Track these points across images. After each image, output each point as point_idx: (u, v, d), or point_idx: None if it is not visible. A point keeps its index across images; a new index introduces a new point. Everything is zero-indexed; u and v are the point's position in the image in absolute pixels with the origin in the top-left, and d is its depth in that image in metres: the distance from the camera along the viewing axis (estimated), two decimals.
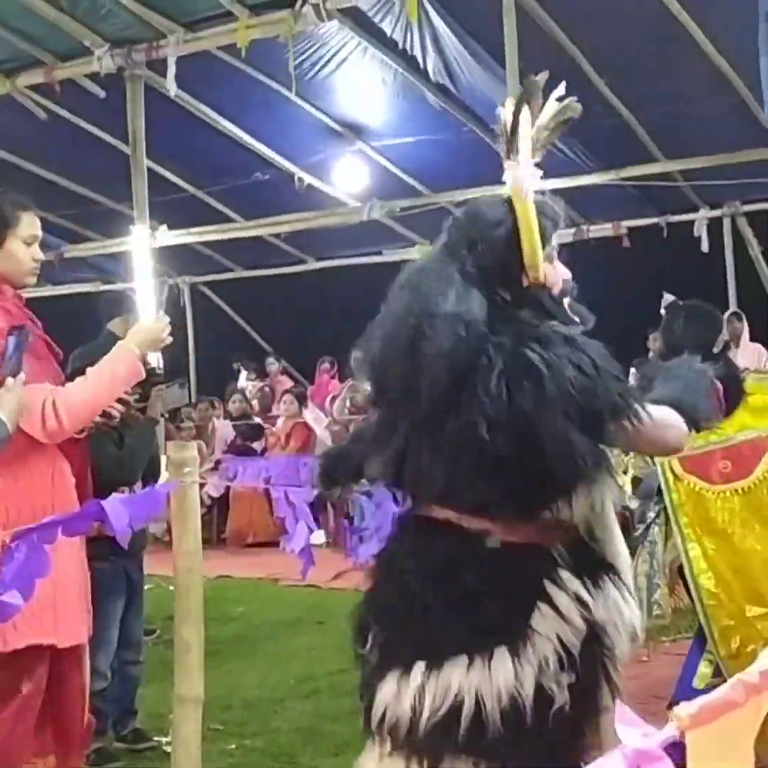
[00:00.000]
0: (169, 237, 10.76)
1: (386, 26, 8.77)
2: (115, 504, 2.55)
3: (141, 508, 2.71)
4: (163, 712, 4.58)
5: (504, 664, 2.12)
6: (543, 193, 2.36)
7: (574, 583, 2.18)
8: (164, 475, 5.36)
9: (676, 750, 0.73)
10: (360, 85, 9.75)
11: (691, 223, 10.34)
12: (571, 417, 2.08)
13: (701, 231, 10.29)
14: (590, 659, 2.16)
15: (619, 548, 2.30)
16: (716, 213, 10.42)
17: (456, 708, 2.13)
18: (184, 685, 3.00)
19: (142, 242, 9.68)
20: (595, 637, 2.17)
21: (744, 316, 9.80)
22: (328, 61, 9.41)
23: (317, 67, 9.47)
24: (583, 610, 2.16)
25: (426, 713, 2.15)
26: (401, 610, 2.27)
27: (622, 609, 2.21)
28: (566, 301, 2.38)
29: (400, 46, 9.00)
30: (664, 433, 2.26)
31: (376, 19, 8.70)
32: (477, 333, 2.15)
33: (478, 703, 2.11)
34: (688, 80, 8.64)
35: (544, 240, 2.31)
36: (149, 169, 9.81)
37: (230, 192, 11.49)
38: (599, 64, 8.77)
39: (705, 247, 10.21)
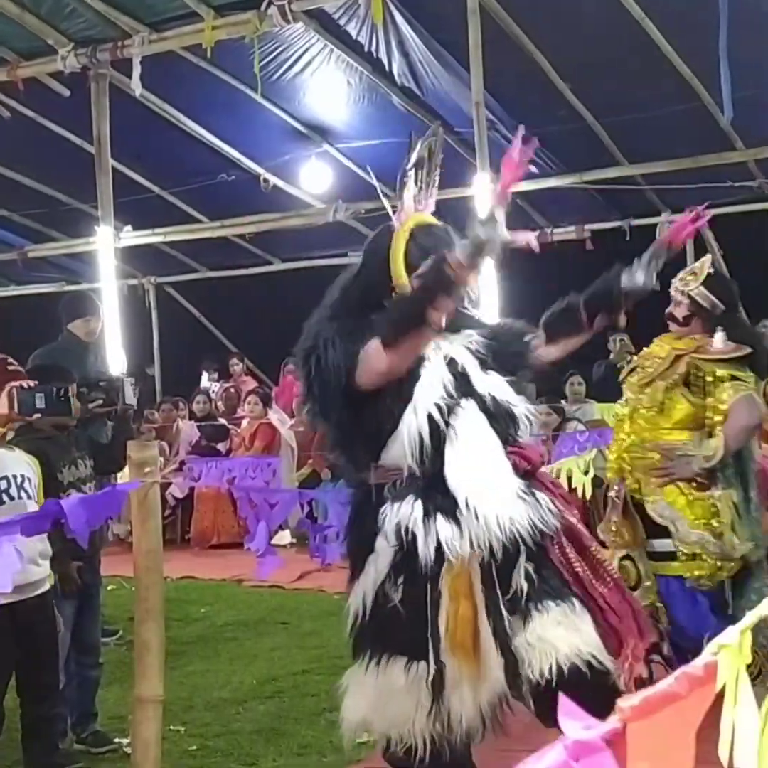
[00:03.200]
0: (133, 237, 10.73)
1: (352, 29, 8.80)
2: (73, 503, 2.55)
3: (100, 508, 2.71)
4: (124, 713, 4.57)
5: (361, 577, 2.95)
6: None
7: (394, 512, 2.86)
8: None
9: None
10: (325, 87, 9.76)
11: (654, 226, 10.42)
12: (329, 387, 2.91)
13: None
14: (414, 566, 2.82)
15: (452, 482, 2.86)
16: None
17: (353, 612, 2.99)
18: (143, 686, 3.00)
19: (107, 242, 9.65)
20: (413, 550, 2.83)
21: None
22: (294, 62, 9.42)
23: (283, 69, 9.47)
24: (401, 532, 2.84)
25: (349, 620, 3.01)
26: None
27: (437, 525, 2.82)
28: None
29: (366, 48, 9.03)
30: (368, 361, 2.87)
31: (342, 22, 8.73)
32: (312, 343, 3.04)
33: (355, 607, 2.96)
34: (650, 85, 8.73)
35: (411, 265, 2.98)
36: (114, 169, 9.77)
37: (195, 192, 11.46)
38: (563, 68, 8.84)
39: None
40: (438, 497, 2.86)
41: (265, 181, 11.02)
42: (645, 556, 3.98)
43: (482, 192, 8.41)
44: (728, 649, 0.73)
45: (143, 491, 2.82)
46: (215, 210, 11.51)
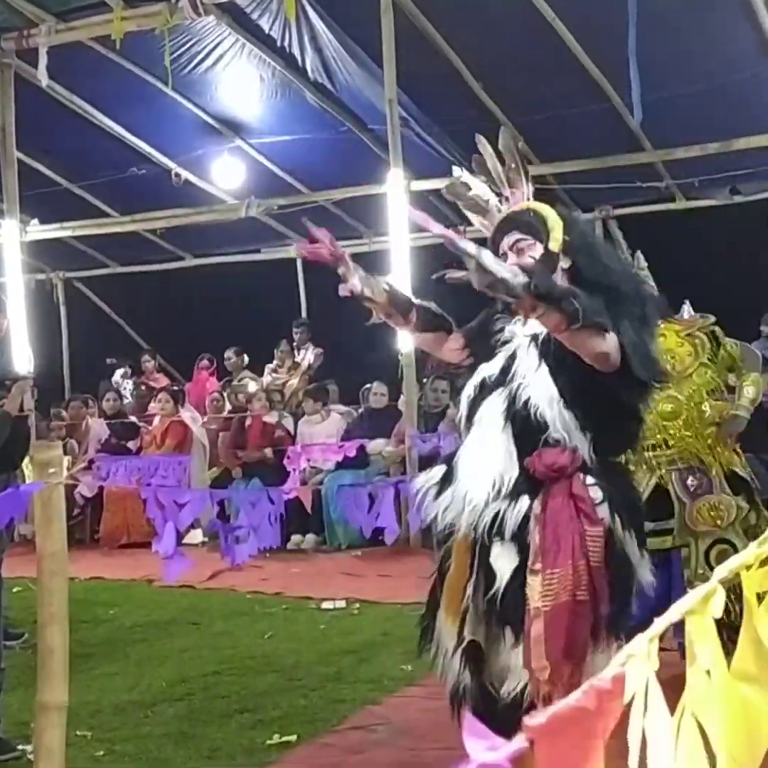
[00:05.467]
0: (41, 231, 10.52)
1: (264, 23, 8.73)
2: None
3: (2, 509, 2.64)
4: (28, 719, 4.44)
5: None
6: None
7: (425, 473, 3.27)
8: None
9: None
10: (238, 81, 9.68)
11: None
12: None
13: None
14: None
15: (460, 459, 3.15)
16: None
17: None
18: (46, 692, 2.92)
19: (13, 236, 9.45)
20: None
21: None
22: (206, 56, 9.32)
23: (194, 62, 9.37)
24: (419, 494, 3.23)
25: None
26: None
27: (443, 495, 3.17)
28: None
29: (279, 43, 8.98)
30: None
31: (254, 16, 8.66)
32: None
33: None
34: (561, 86, 8.81)
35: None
36: (20, 161, 9.57)
37: (105, 186, 11.27)
38: (476, 68, 8.88)
39: None
40: (452, 470, 3.11)
41: (177, 175, 10.88)
42: (739, 527, 4.32)
43: (395, 189, 8.42)
44: (636, 659, 0.72)
45: (47, 493, 2.75)
46: (125, 204, 11.33)
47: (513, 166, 3.24)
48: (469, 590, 3.01)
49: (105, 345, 13.03)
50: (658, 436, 4.38)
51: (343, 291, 3.08)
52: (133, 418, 10.91)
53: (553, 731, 0.65)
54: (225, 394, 10.92)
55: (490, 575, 2.98)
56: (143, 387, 11.58)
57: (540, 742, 0.65)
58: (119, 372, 12.43)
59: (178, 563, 3.32)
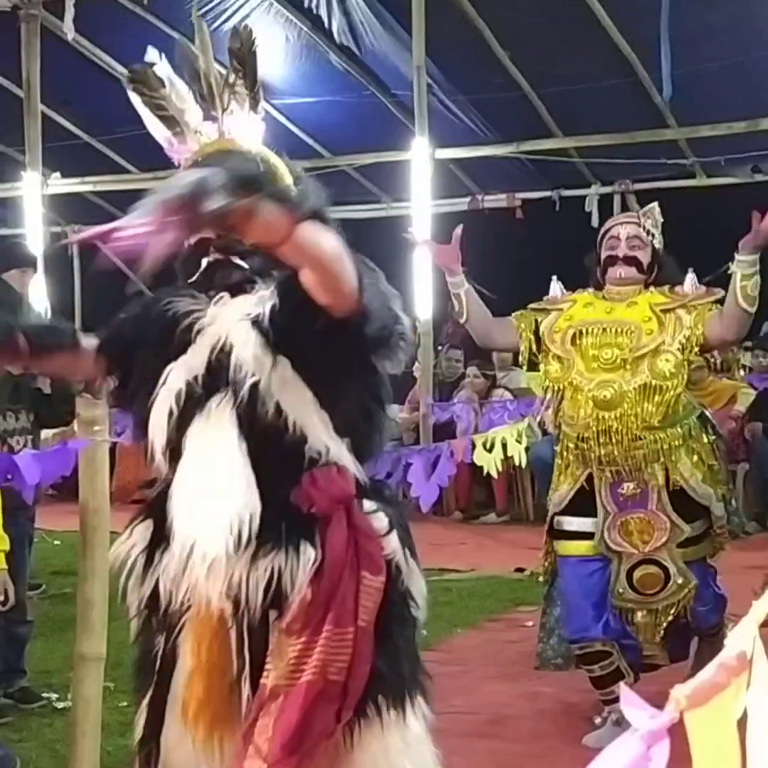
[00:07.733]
0: (62, 185, 10.54)
1: None
2: (27, 459, 2.55)
3: (51, 465, 2.72)
4: (51, 668, 4.56)
5: None
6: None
7: (127, 534, 2.45)
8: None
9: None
10: (263, 41, 9.53)
11: (583, 198, 10.54)
12: None
13: (592, 206, 10.49)
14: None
15: (172, 505, 2.23)
16: (607, 189, 10.63)
17: None
18: (85, 644, 3.01)
19: (34, 189, 9.48)
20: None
21: None
22: (232, 14, 9.29)
23: (220, 20, 9.32)
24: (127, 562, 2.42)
25: None
26: None
27: (163, 558, 2.28)
28: None
29: (305, 4, 8.95)
30: None
31: None
32: None
33: None
34: (588, 58, 8.79)
35: None
36: (43, 114, 9.57)
37: (126, 142, 11.23)
38: (503, 37, 8.86)
39: (595, 221, 10.40)
40: (164, 521, 2.21)
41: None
42: (675, 550, 3.58)
43: (420, 156, 8.44)
44: (743, 639, 0.77)
45: (92, 450, 2.83)
46: (146, 160, 11.31)
47: (240, 77, 2.30)
48: (247, 688, 2.11)
49: (120, 301, 13.04)
50: (593, 427, 3.50)
51: None
52: None
53: (698, 703, 0.71)
54: None
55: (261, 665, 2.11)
56: None
57: (690, 713, 0.71)
58: None
59: None
